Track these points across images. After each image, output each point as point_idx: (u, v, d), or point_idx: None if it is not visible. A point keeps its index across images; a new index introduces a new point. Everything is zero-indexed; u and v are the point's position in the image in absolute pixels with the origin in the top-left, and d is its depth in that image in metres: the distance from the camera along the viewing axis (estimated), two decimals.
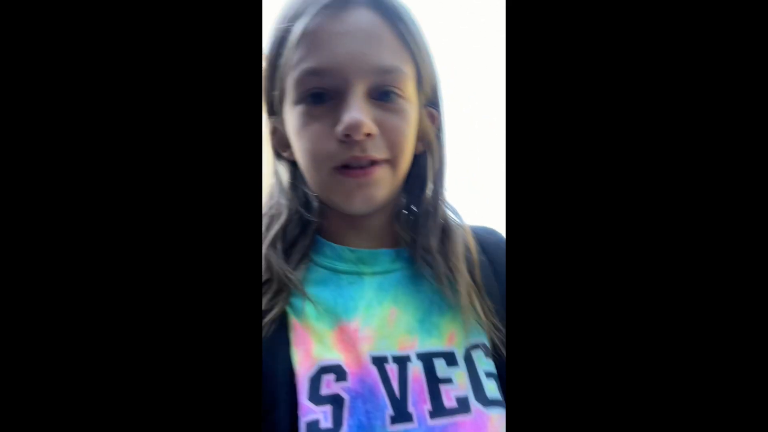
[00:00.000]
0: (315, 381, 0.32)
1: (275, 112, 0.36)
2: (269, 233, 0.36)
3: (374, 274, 0.37)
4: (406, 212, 0.40)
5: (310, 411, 0.31)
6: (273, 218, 0.37)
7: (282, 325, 0.33)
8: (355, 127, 0.31)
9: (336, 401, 0.31)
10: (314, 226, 0.37)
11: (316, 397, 0.31)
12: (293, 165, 0.37)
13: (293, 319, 0.34)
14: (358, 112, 0.31)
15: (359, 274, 0.37)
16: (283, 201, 0.37)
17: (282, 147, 0.38)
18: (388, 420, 0.32)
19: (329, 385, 0.32)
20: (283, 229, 0.36)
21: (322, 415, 0.31)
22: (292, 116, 0.34)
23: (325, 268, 0.37)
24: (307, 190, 0.37)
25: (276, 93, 0.35)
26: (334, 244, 0.38)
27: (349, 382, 0.32)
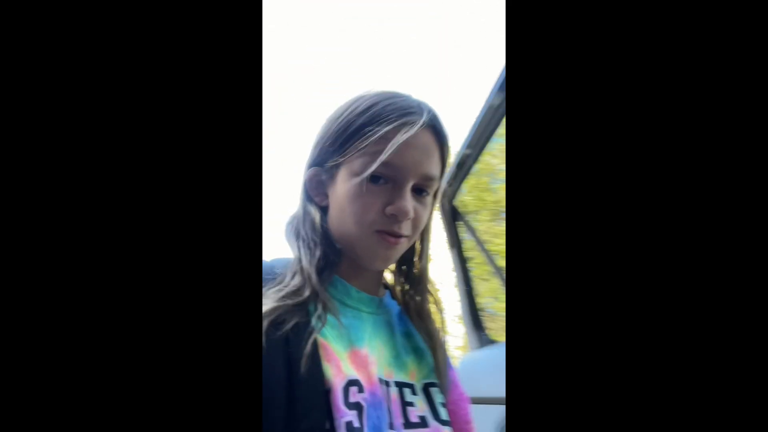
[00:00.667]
0: (345, 391, 0.40)
1: (321, 165, 0.47)
2: (312, 259, 0.44)
3: (369, 313, 0.48)
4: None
5: (345, 414, 0.39)
6: (309, 248, 0.46)
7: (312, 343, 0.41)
8: (405, 213, 0.43)
9: (358, 408, 0.40)
10: (336, 266, 0.46)
11: (347, 404, 0.40)
12: (323, 211, 0.48)
13: (320, 338, 0.41)
14: (408, 203, 0.43)
15: (360, 311, 0.47)
16: (316, 238, 0.46)
17: (317, 194, 0.48)
18: (387, 427, 0.42)
19: (354, 395, 0.41)
20: (318, 260, 0.44)
21: (354, 417, 0.39)
22: (346, 182, 0.45)
23: (336, 299, 0.46)
24: (331, 237, 0.47)
25: (339, 158, 0.45)
26: (345, 282, 0.47)
27: (366, 394, 0.42)
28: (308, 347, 0.39)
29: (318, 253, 0.44)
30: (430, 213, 0.48)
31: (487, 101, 0.91)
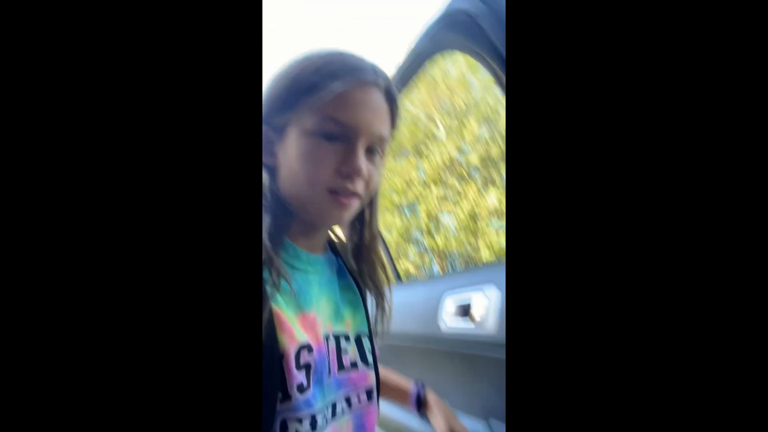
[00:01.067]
0: (297, 356, 0.42)
1: (269, 123, 0.45)
2: (263, 225, 0.42)
3: (315, 273, 0.49)
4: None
5: (297, 377, 0.41)
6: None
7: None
8: (358, 171, 0.43)
9: (307, 367, 0.43)
10: (287, 228, 0.46)
11: (298, 367, 0.42)
12: (270, 172, 0.46)
13: (274, 306, 0.41)
14: (361, 161, 0.44)
15: (307, 273, 0.48)
16: (266, 202, 0.43)
17: (265, 154, 0.46)
18: (327, 377, 0.46)
19: (304, 357, 0.43)
20: (269, 225, 0.42)
21: (303, 377, 0.42)
22: (298, 141, 0.44)
23: (287, 264, 0.45)
24: (281, 199, 0.45)
25: (289, 115, 0.43)
26: (296, 246, 0.47)
27: (315, 354, 0.44)
28: (265, 317, 0.39)
29: (268, 218, 0.42)
30: (379, 172, 0.49)
31: (413, 46, 0.89)
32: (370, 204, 0.52)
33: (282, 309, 0.43)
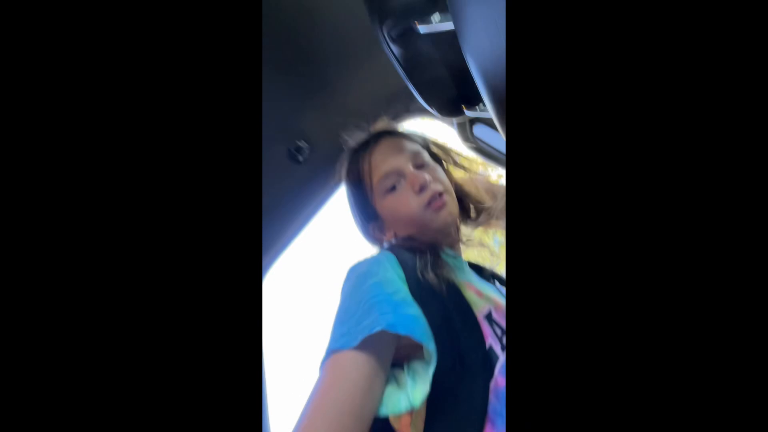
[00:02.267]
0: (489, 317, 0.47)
1: (365, 223, 0.63)
2: (420, 260, 0.50)
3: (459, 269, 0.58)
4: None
5: (489, 334, 0.44)
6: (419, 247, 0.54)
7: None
8: (423, 182, 0.55)
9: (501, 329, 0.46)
10: (427, 250, 0.55)
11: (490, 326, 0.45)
12: (394, 241, 0.61)
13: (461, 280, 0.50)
14: (418, 176, 0.56)
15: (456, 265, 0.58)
16: (405, 247, 0.55)
17: (377, 235, 0.63)
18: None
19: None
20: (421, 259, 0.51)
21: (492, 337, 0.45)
22: (384, 207, 0.59)
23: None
24: (413, 241, 0.56)
25: (363, 202, 0.61)
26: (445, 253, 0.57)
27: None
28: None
29: (420, 255, 0.51)
30: (443, 169, 0.61)
31: None
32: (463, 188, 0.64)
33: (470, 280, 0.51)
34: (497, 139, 0.85)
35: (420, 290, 0.44)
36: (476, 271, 0.61)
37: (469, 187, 0.63)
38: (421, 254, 0.50)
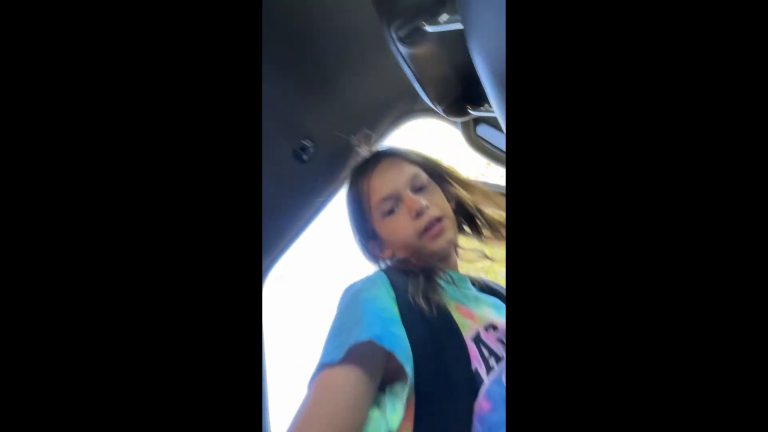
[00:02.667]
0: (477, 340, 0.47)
1: (364, 240, 0.64)
2: (413, 285, 0.50)
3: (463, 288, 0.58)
4: None
5: (475, 357, 0.44)
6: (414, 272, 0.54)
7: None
8: (420, 208, 0.54)
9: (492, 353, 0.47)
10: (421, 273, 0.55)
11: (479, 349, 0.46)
12: (392, 264, 0.61)
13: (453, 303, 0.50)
14: (416, 200, 0.55)
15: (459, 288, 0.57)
16: (401, 269, 0.56)
17: (376, 254, 0.63)
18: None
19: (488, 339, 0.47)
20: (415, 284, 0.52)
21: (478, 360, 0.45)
22: (383, 230, 0.59)
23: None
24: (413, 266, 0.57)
25: (363, 224, 0.60)
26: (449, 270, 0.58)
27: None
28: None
29: (413, 278, 0.52)
30: (441, 190, 0.61)
31: None
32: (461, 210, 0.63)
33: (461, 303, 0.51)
34: (501, 140, 0.86)
35: (409, 312, 0.45)
36: (481, 287, 0.61)
37: (475, 204, 0.63)
38: (414, 277, 0.50)
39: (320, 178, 1.01)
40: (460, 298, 0.51)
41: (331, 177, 0.96)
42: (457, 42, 0.54)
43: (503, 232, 0.61)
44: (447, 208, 0.58)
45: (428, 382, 0.41)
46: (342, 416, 0.37)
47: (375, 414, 0.42)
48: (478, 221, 0.62)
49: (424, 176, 0.59)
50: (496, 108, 0.51)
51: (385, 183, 0.57)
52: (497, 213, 0.63)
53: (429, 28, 0.49)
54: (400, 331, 0.42)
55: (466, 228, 0.65)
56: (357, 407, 0.38)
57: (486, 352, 0.44)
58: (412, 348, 0.42)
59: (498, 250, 0.66)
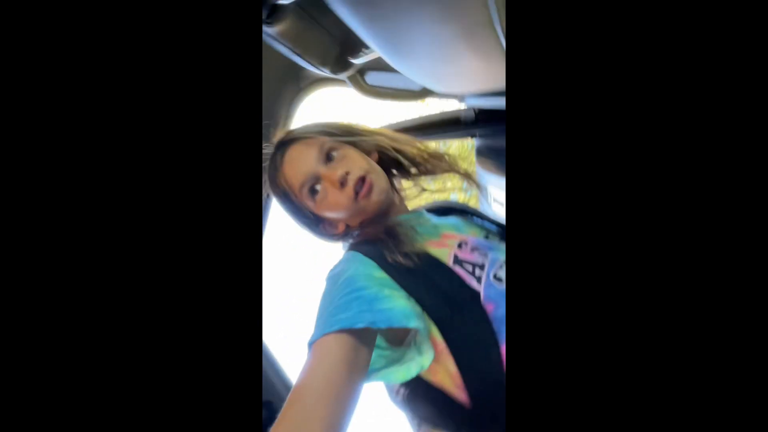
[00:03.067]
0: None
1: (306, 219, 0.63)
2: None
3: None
4: None
5: (464, 275, 0.50)
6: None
7: None
8: (340, 176, 0.55)
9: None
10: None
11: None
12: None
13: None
14: (331, 170, 0.56)
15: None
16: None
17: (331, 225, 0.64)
18: None
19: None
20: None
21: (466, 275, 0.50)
22: (316, 204, 0.59)
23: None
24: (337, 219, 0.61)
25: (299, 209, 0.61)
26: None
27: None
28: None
29: (381, 243, 0.54)
30: (353, 150, 0.61)
31: None
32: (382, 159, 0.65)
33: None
34: (391, 78, 0.91)
35: (397, 272, 0.49)
36: (436, 211, 0.67)
37: (393, 147, 0.64)
38: (381, 243, 0.52)
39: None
40: (425, 234, 0.56)
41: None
42: (315, 4, 0.57)
43: (428, 164, 0.64)
44: (366, 162, 0.58)
45: (443, 318, 0.47)
46: (341, 373, 0.40)
47: (398, 366, 0.47)
48: (403, 161, 0.64)
49: (330, 143, 0.58)
50: (374, 45, 0.56)
51: (296, 169, 0.57)
52: (415, 148, 0.65)
53: (284, 1, 0.52)
54: (389, 303, 0.45)
55: (395, 171, 0.67)
56: (355, 363, 0.41)
57: (469, 267, 0.50)
58: (418, 297, 0.47)
59: (432, 182, 0.70)
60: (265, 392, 0.99)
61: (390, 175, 0.66)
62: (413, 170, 0.65)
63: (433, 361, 0.47)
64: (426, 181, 0.69)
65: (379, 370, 0.47)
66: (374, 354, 0.47)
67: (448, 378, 0.47)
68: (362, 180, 0.55)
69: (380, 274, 0.49)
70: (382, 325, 0.42)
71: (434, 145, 0.68)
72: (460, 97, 0.98)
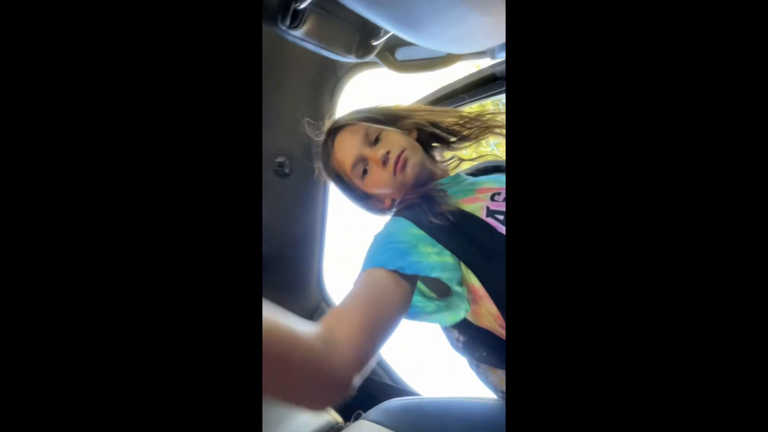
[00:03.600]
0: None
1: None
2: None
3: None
4: None
5: (495, 225, 0.55)
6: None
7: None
8: (382, 155, 0.64)
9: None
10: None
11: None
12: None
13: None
14: (375, 151, 0.65)
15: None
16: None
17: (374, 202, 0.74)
18: None
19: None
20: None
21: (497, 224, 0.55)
22: (365, 183, 0.69)
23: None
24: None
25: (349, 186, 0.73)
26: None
27: None
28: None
29: (420, 207, 0.61)
30: (396, 131, 0.68)
31: None
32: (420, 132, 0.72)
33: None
34: (419, 51, 0.95)
35: (433, 230, 0.55)
36: (474, 173, 0.72)
37: (429, 121, 0.70)
38: (419, 207, 0.58)
39: (307, 181, 1.12)
40: (460, 193, 0.61)
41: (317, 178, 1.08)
42: (325, 2, 0.64)
43: (465, 130, 0.70)
44: (405, 140, 0.66)
45: (479, 266, 0.53)
46: (384, 296, 0.47)
47: (448, 311, 0.55)
48: (440, 134, 0.70)
49: (373, 128, 0.67)
50: (387, 26, 0.61)
51: (345, 152, 0.67)
52: (452, 117, 0.71)
53: (301, 6, 0.60)
54: (417, 256, 0.52)
55: (435, 144, 0.74)
56: (394, 293, 0.48)
57: (501, 217, 0.55)
58: (454, 250, 0.54)
59: (468, 151, 0.75)
60: None
61: (431, 149, 0.73)
62: (452, 139, 0.71)
63: (478, 306, 0.54)
64: (461, 153, 0.76)
65: (431, 314, 0.55)
66: (427, 302, 0.55)
67: (492, 319, 0.53)
68: (399, 156, 0.63)
69: (417, 231, 0.56)
70: (409, 272, 0.49)
71: (469, 109, 0.72)
72: (491, 53, 0.99)
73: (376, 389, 1.10)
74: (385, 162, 0.63)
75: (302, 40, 0.69)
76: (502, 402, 0.63)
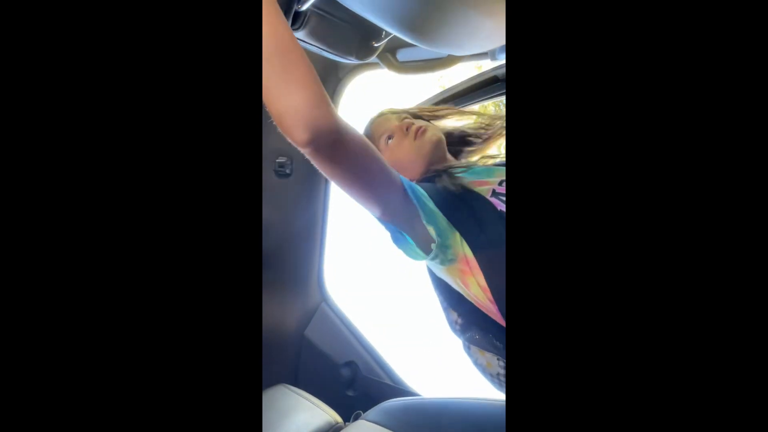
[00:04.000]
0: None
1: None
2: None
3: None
4: None
5: (497, 204, 0.58)
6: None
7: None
8: (406, 125, 0.72)
9: None
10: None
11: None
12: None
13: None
14: (402, 123, 0.73)
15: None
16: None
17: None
18: None
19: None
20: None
21: (499, 204, 0.59)
22: (389, 152, 0.73)
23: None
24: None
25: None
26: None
27: None
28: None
29: (438, 178, 0.66)
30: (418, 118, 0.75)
31: None
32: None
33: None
34: (420, 52, 0.95)
35: (445, 203, 0.59)
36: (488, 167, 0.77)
37: (455, 127, 0.78)
38: (438, 177, 0.64)
39: (308, 181, 1.13)
40: (474, 175, 0.65)
41: (318, 178, 1.08)
42: (328, 2, 0.65)
43: (490, 129, 0.75)
44: (432, 125, 0.72)
45: (472, 236, 0.55)
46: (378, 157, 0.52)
47: (437, 256, 0.57)
48: (467, 137, 0.76)
49: (407, 117, 0.75)
50: (389, 28, 0.61)
51: (381, 129, 0.74)
52: (475, 117, 0.78)
53: (303, 7, 0.60)
54: (426, 201, 0.56)
55: (463, 148, 0.79)
56: (386, 167, 0.53)
57: (503, 198, 0.58)
58: (454, 219, 0.57)
59: (494, 150, 0.79)
60: (347, 353, 1.11)
61: (460, 153, 0.79)
62: (478, 141, 0.77)
63: (467, 274, 0.56)
64: (485, 152, 0.80)
65: (416, 258, 0.59)
66: (411, 251, 0.58)
67: (480, 291, 0.56)
68: (420, 127, 0.70)
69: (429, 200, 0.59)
70: (414, 200, 0.54)
71: (483, 110, 0.75)
72: (491, 55, 0.99)
73: (376, 389, 1.10)
74: (407, 129, 0.70)
75: (304, 41, 0.69)
76: (502, 402, 0.63)
